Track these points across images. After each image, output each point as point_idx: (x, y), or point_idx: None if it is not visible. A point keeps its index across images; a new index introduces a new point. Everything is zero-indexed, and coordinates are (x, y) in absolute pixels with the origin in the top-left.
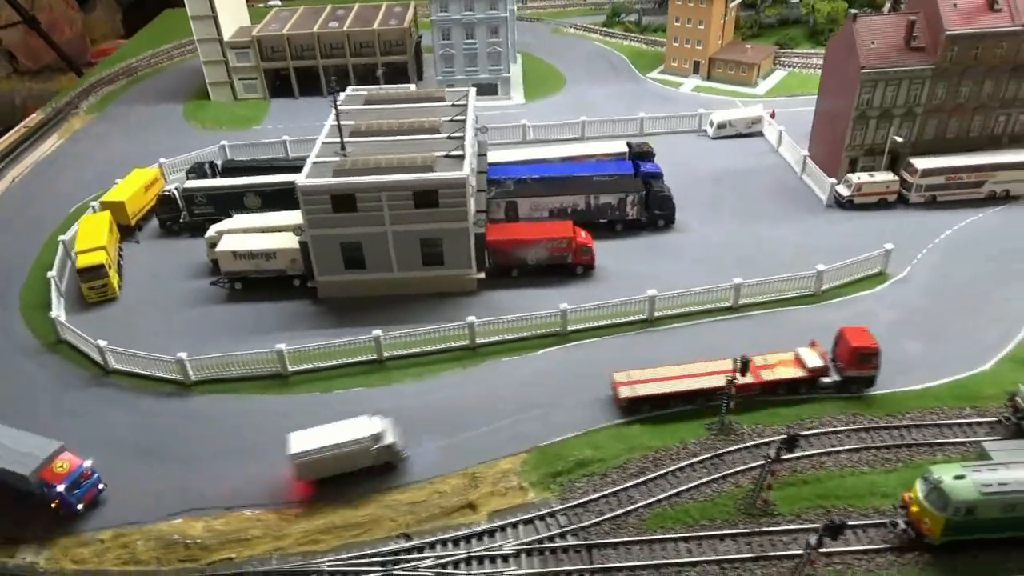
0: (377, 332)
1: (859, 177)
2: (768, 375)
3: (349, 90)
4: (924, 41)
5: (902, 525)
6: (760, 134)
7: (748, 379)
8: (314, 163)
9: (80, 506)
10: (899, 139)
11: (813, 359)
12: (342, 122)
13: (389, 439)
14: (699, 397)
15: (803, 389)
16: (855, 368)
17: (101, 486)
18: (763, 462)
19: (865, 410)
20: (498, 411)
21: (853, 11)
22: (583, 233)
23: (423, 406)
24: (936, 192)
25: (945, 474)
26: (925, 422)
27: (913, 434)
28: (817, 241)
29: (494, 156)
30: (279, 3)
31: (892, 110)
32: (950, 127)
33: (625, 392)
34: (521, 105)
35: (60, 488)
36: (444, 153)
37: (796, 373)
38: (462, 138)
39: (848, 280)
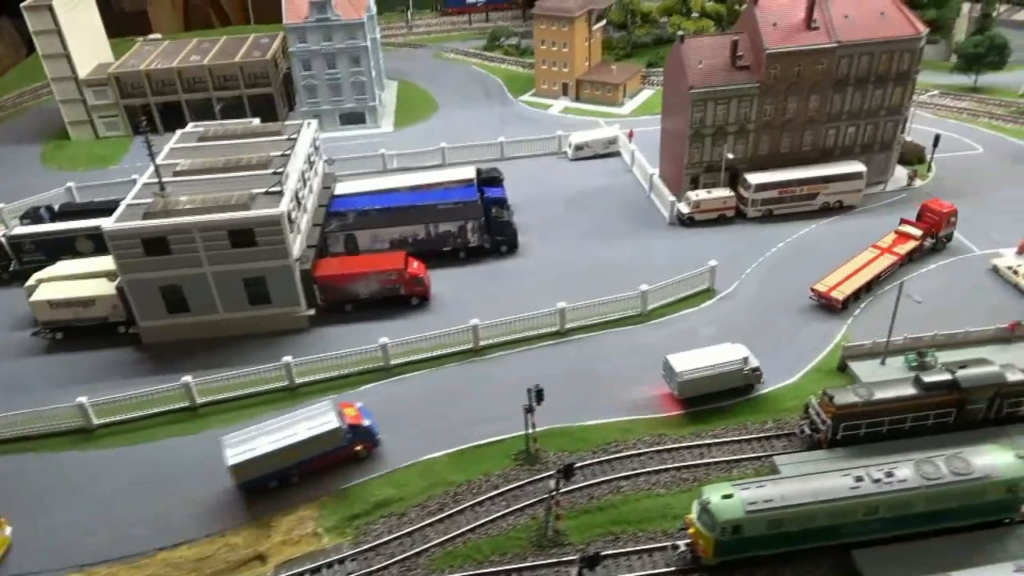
0: (187, 378)
1: (697, 194)
2: (901, 250)
3: (189, 127)
4: (749, 60)
5: (682, 547)
6: (618, 154)
7: (889, 260)
8: (128, 205)
9: (379, 435)
10: (731, 156)
11: (914, 230)
12: (170, 161)
13: (754, 362)
14: (879, 280)
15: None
16: (945, 227)
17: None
18: (548, 495)
19: (671, 431)
20: None
21: (681, 32)
22: (415, 264)
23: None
24: (771, 206)
25: (714, 494)
26: (727, 439)
27: (713, 452)
28: (656, 259)
29: (347, 187)
30: (159, 36)
31: (725, 127)
32: (783, 142)
33: (838, 295)
34: (388, 133)
35: (367, 423)
36: (264, 190)
37: (913, 244)
38: (281, 174)
39: (676, 298)
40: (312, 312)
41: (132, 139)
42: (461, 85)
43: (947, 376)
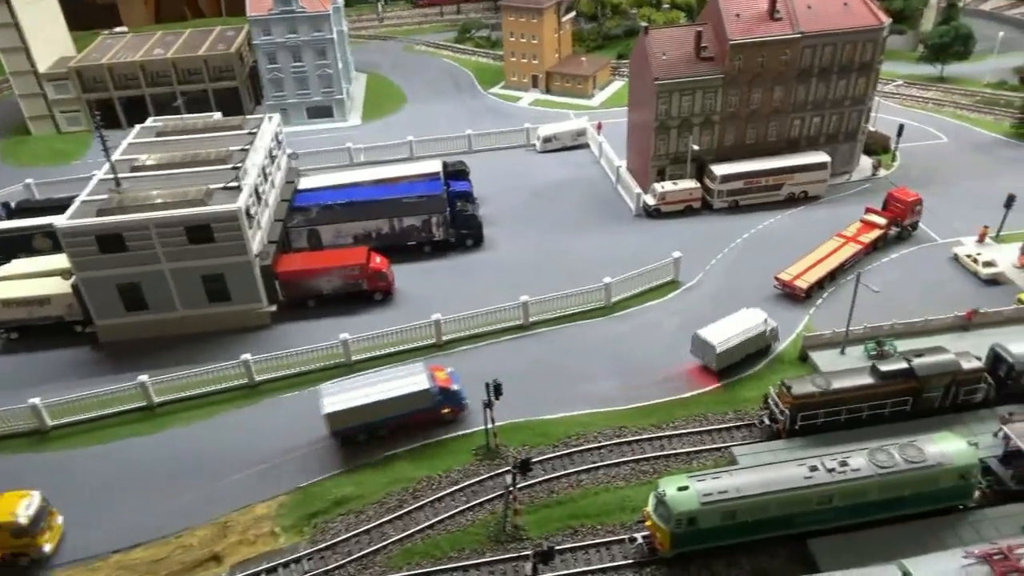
0: (143, 377)
1: (663, 186)
2: (865, 239)
3: (149, 121)
4: (714, 51)
5: (639, 540)
6: (586, 146)
7: (854, 249)
8: (82, 202)
9: (466, 401)
10: (696, 147)
11: (879, 219)
12: (127, 156)
13: (773, 323)
14: (843, 268)
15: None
16: (910, 216)
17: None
18: (505, 490)
19: (633, 422)
20: (266, 451)
21: (644, 24)
22: (378, 259)
23: (191, 452)
24: (737, 197)
25: (670, 486)
26: (688, 430)
27: (674, 443)
28: (622, 252)
29: (311, 181)
30: (125, 29)
31: (691, 119)
32: (748, 133)
33: (802, 284)
34: (356, 127)
35: (455, 387)
36: (222, 185)
37: (877, 233)
38: (239, 168)
39: (640, 290)
40: (274, 308)
41: (94, 134)
42: (431, 78)
43: (903, 365)
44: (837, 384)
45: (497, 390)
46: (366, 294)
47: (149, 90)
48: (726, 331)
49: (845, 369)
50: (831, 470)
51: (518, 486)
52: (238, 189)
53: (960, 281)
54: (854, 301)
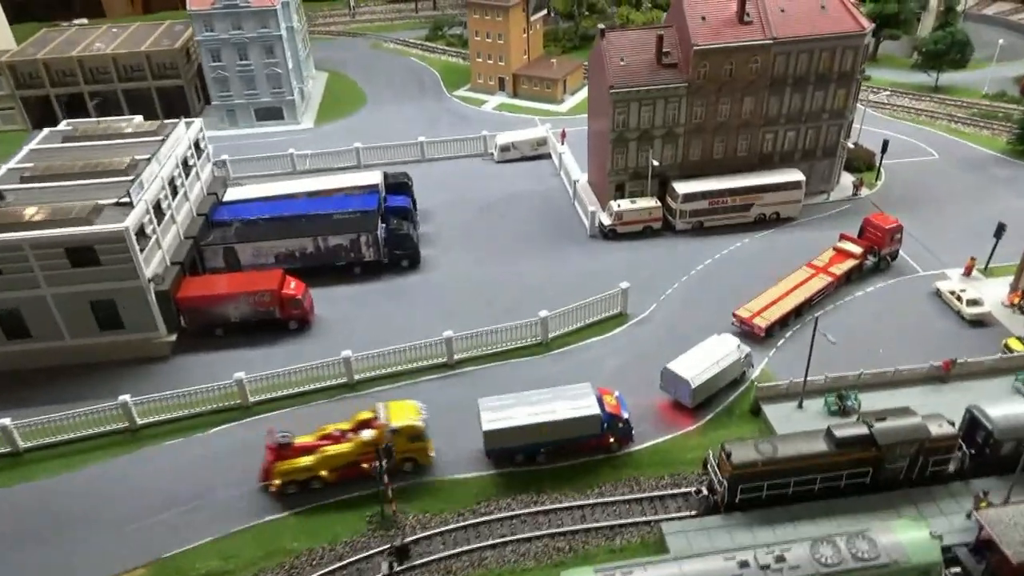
0: (5, 420)
1: (619, 204)
2: (837, 270)
3: (63, 124)
4: (677, 57)
5: None
6: (548, 156)
7: (824, 282)
8: None
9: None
10: (656, 163)
11: (854, 248)
12: (22, 164)
13: (746, 348)
14: (810, 304)
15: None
16: (889, 245)
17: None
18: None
19: (554, 487)
20: (129, 512)
21: (601, 26)
22: (293, 284)
23: (48, 509)
24: (702, 217)
25: None
26: (615, 497)
27: (596, 514)
28: (569, 278)
29: (237, 193)
30: (85, 21)
31: (652, 131)
32: (716, 148)
33: (761, 323)
34: (308, 130)
35: (625, 415)
36: (114, 200)
37: (852, 263)
38: (134, 182)
39: (583, 324)
40: (174, 338)
41: (30, 133)
42: (396, 78)
43: (863, 430)
44: (785, 451)
45: (387, 453)
46: (280, 323)
47: (88, 87)
48: (700, 363)
49: (795, 433)
50: (765, 567)
51: (404, 567)
52: (130, 205)
53: (941, 321)
54: (812, 346)
